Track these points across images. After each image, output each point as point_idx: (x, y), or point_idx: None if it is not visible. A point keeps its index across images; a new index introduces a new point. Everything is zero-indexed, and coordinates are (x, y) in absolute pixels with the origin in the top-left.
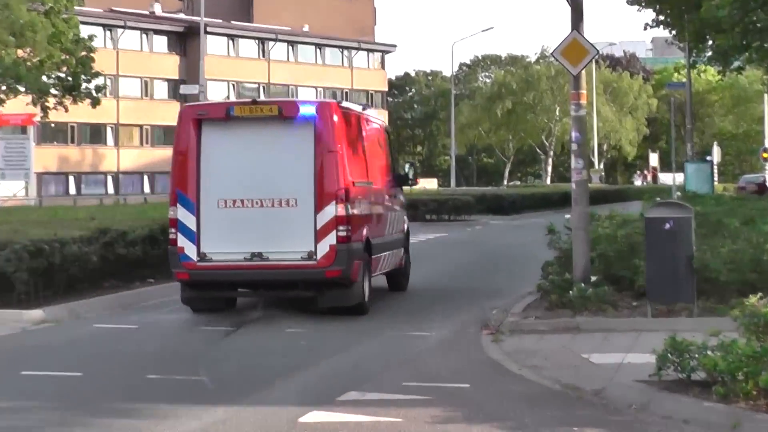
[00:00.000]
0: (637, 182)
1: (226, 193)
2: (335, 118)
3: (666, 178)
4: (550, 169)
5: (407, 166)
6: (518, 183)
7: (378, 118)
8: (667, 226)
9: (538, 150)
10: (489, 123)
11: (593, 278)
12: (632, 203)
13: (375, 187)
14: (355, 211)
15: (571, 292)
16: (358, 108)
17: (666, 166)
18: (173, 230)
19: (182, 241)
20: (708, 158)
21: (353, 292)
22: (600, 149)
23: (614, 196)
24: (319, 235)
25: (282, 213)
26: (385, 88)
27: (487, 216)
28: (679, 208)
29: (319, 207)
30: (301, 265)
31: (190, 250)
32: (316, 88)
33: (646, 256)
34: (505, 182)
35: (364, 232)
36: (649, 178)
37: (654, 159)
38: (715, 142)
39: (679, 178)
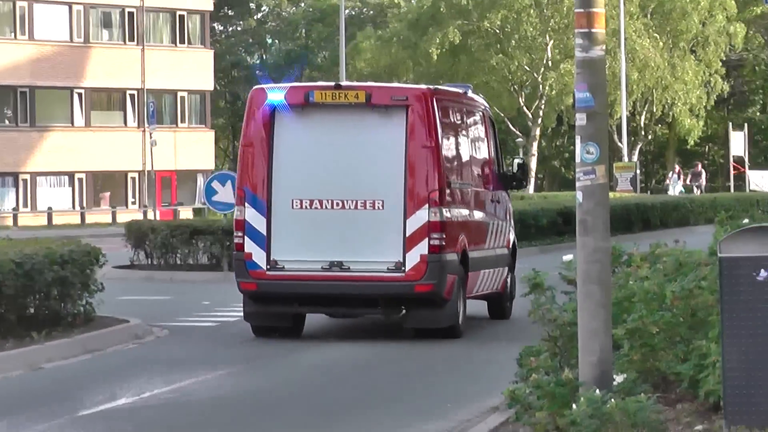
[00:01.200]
0: (673, 189)
1: (301, 192)
2: (432, 107)
3: (761, 179)
4: (534, 162)
5: (515, 163)
6: None
7: (481, 103)
8: (763, 274)
9: (511, 126)
10: (414, 71)
11: (619, 378)
12: (699, 229)
13: (475, 189)
14: (451, 218)
15: (575, 406)
16: (458, 91)
17: (761, 156)
18: (240, 233)
19: (250, 246)
20: None
21: (446, 313)
22: (634, 123)
23: (663, 214)
24: (409, 243)
25: (366, 216)
26: (210, 7)
27: None
28: None
29: (409, 211)
30: (387, 278)
31: (259, 257)
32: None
33: (722, 334)
34: None
35: (461, 242)
36: (703, 181)
37: (738, 143)
38: None
39: None
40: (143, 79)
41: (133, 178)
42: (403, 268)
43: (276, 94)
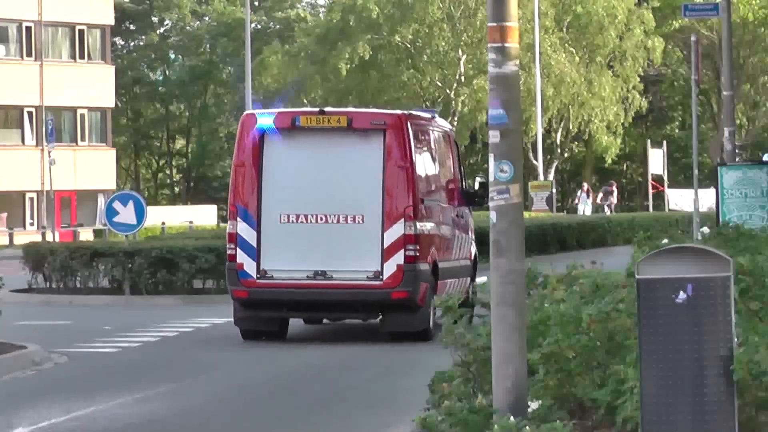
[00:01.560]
0: (583, 208)
1: (289, 208)
2: (407, 131)
3: (680, 199)
4: None
5: (477, 181)
6: None
7: (447, 126)
8: (682, 296)
9: None
10: (322, 86)
11: (534, 404)
12: (616, 250)
13: (443, 206)
14: (424, 231)
15: None
16: (427, 116)
17: (681, 174)
18: (232, 245)
19: (242, 257)
20: (766, 157)
21: (419, 317)
22: (550, 141)
23: (580, 234)
24: (387, 254)
25: (347, 229)
26: (110, 21)
27: None
28: (705, 260)
29: (387, 225)
30: (367, 285)
31: (250, 267)
32: None
33: (639, 359)
34: None
35: (432, 253)
36: (613, 200)
37: (657, 160)
38: None
39: (707, 197)
40: (41, 96)
41: (32, 198)
42: (381, 277)
43: (265, 118)
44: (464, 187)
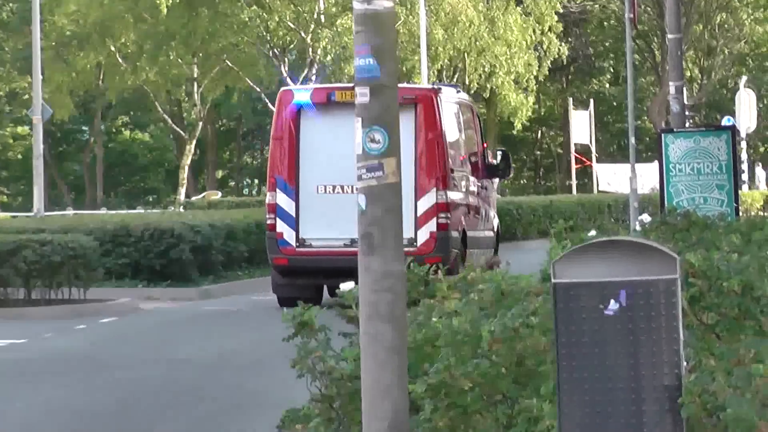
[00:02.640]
0: None
1: (325, 179)
2: (436, 103)
3: (612, 177)
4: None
5: (499, 154)
6: (218, 195)
7: (470, 100)
8: (613, 306)
9: (271, 105)
10: (135, 29)
11: None
12: (528, 245)
13: (470, 177)
14: (454, 200)
15: None
16: (453, 90)
17: (613, 144)
18: (272, 215)
19: (281, 226)
20: (726, 121)
21: None
22: None
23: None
24: (420, 221)
25: None
26: None
27: (126, 289)
28: (645, 258)
29: (419, 193)
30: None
31: (290, 236)
32: None
33: (558, 390)
34: (181, 197)
35: (461, 222)
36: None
37: (582, 126)
38: (744, 79)
39: (648, 174)
40: None
41: None
42: (414, 244)
43: (302, 94)
44: (487, 159)
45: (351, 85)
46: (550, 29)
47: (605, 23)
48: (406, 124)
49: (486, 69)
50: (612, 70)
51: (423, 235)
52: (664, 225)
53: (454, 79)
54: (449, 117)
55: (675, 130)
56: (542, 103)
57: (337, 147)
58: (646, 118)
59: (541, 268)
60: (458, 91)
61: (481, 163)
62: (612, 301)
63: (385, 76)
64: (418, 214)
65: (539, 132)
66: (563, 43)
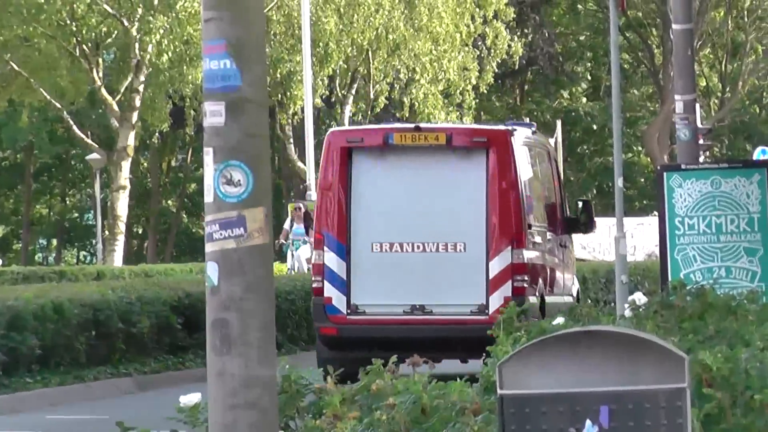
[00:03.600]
0: (295, 254)
1: (381, 236)
2: (513, 147)
3: (590, 236)
4: (125, 203)
5: (579, 204)
6: None
7: (546, 141)
8: (591, 430)
9: (79, 132)
10: None
11: None
12: None
13: (549, 233)
14: (532, 260)
15: None
16: (528, 130)
17: (591, 186)
18: (319, 278)
19: (329, 290)
20: (760, 153)
21: None
22: (330, 119)
23: None
24: (492, 285)
25: (448, 259)
26: None
27: None
28: (638, 358)
29: (492, 253)
30: (471, 320)
31: (340, 302)
32: None
33: None
34: None
35: (539, 287)
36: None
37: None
38: None
39: (642, 232)
40: None
41: None
42: (486, 311)
43: (353, 135)
44: (566, 211)
45: (411, 125)
46: (496, 16)
47: (579, 5)
48: (476, 172)
49: (401, 75)
50: (590, 77)
51: (496, 301)
52: (666, 309)
53: (353, 90)
54: (525, 163)
55: (683, 166)
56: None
57: (396, 198)
58: (640, 148)
59: (481, 372)
60: (534, 132)
61: (560, 217)
62: (588, 423)
63: (248, 85)
64: (491, 276)
65: None
66: (516, 37)
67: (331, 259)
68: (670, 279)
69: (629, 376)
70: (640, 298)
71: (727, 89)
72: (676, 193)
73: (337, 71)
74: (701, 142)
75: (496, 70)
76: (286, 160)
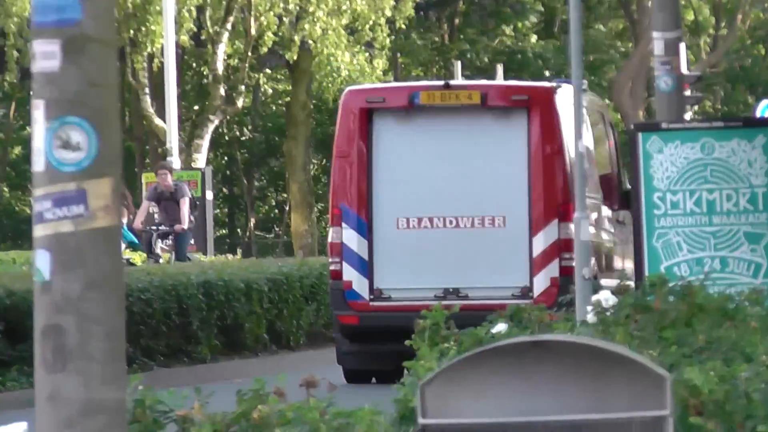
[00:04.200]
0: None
1: (408, 210)
2: (558, 107)
3: None
4: None
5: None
6: None
7: (599, 103)
8: None
9: None
10: None
11: None
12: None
13: (603, 206)
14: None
15: None
16: (578, 88)
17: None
18: (337, 259)
19: (349, 273)
20: (765, 109)
21: None
22: (198, 66)
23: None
24: (537, 264)
25: (485, 235)
26: None
27: None
28: (603, 376)
29: (536, 228)
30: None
31: (361, 286)
32: None
33: None
34: None
35: (593, 266)
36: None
37: None
38: None
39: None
40: None
41: None
42: (530, 294)
43: (375, 94)
44: (624, 183)
45: (440, 83)
46: None
47: None
48: (516, 135)
49: (291, 7)
50: (542, 7)
51: (541, 283)
52: (642, 312)
53: (228, 25)
54: (575, 123)
55: (664, 125)
56: (402, 70)
57: (425, 167)
58: (608, 101)
59: (397, 396)
60: (584, 90)
61: (616, 189)
62: None
63: (90, 18)
64: (535, 255)
65: None
66: None
67: (351, 238)
68: (646, 273)
69: (593, 401)
70: (607, 298)
71: (722, 24)
72: (654, 160)
73: (205, 2)
74: (688, 93)
75: (418, 0)
76: (141, 116)
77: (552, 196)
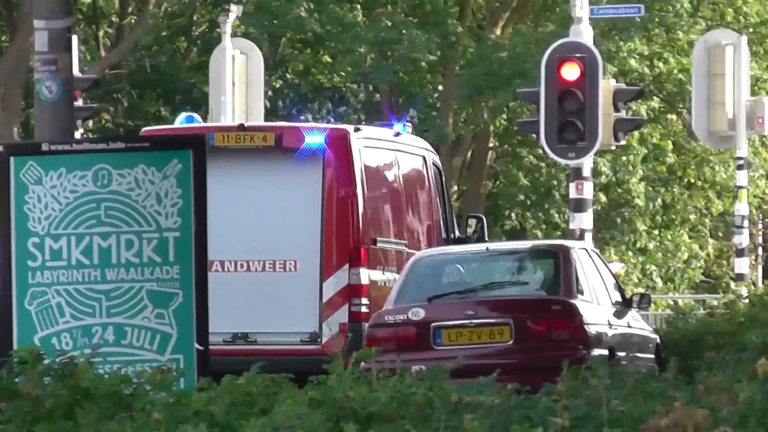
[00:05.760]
0: None
1: None
2: (354, 149)
3: None
4: None
5: (472, 222)
6: None
7: (420, 146)
8: None
9: None
10: None
11: None
12: None
13: (408, 251)
14: (377, 281)
15: None
16: (388, 133)
17: None
18: None
19: None
20: (184, 120)
21: None
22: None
23: None
24: (326, 309)
25: (276, 280)
26: None
27: None
28: None
29: (327, 272)
30: (301, 351)
31: None
32: None
33: None
34: None
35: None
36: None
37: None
38: None
39: None
40: None
41: None
42: (319, 340)
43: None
44: (447, 226)
45: (234, 124)
46: None
47: None
48: (310, 178)
49: None
50: None
51: (330, 329)
52: (7, 398)
53: None
54: (377, 168)
55: (46, 146)
56: None
57: (216, 209)
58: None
59: None
60: (398, 134)
61: (437, 234)
62: None
63: None
64: (324, 300)
65: None
66: None
67: None
68: (15, 346)
69: None
70: None
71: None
72: (32, 193)
73: None
74: (80, 103)
75: None
76: None
77: (344, 241)
